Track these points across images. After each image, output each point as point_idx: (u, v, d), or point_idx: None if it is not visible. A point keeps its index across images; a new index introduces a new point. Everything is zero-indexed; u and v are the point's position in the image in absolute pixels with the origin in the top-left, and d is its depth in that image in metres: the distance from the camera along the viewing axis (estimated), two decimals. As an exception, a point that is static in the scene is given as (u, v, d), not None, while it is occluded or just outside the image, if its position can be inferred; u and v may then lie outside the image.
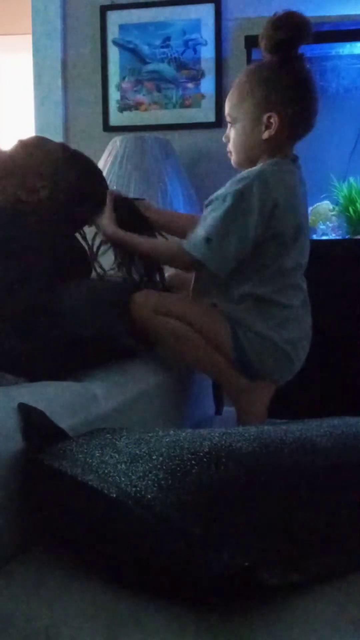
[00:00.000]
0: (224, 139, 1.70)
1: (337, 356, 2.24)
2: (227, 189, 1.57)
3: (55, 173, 1.62)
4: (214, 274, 1.56)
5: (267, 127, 1.58)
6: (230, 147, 1.67)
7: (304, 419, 1.07)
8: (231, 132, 1.66)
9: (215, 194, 1.61)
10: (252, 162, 1.61)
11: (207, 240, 1.53)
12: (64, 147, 1.70)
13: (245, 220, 1.51)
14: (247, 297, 1.57)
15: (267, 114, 1.57)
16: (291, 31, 1.53)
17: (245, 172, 1.57)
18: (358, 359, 2.25)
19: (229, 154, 1.69)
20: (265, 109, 1.57)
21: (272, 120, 1.57)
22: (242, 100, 1.61)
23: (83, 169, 1.70)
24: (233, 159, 1.68)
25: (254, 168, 1.57)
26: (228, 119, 1.65)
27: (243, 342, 1.55)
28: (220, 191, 1.59)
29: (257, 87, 1.58)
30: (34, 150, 1.64)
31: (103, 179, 1.79)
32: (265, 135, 1.58)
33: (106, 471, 0.84)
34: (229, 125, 1.66)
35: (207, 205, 1.63)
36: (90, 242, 1.71)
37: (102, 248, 1.72)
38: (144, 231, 1.75)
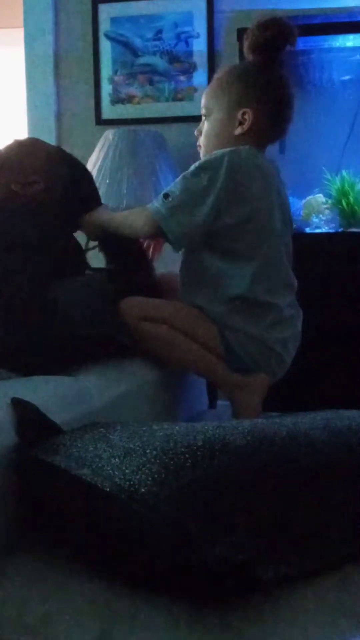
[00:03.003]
0: (195, 133, 1.68)
1: (332, 349, 2.24)
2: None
3: (50, 170, 1.62)
4: (168, 240, 1.53)
5: (241, 123, 1.57)
6: (201, 140, 1.66)
7: (298, 412, 1.07)
8: (204, 126, 1.65)
9: None
10: None
11: (165, 195, 1.52)
12: (59, 148, 1.73)
13: (208, 186, 1.50)
14: (236, 299, 1.55)
15: (242, 110, 1.57)
16: (275, 33, 1.54)
17: (218, 150, 1.55)
18: (352, 352, 2.25)
19: (198, 148, 1.68)
20: (241, 104, 1.57)
21: (246, 117, 1.57)
22: (219, 93, 1.61)
23: (76, 169, 1.70)
24: (202, 152, 1.66)
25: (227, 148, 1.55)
26: (203, 111, 1.65)
27: (233, 343, 1.54)
28: None
29: (235, 82, 1.59)
30: (29, 148, 1.66)
31: (94, 183, 1.79)
32: (238, 130, 1.58)
33: (100, 465, 0.84)
34: (203, 119, 1.66)
35: None
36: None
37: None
38: (140, 264, 1.74)
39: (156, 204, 1.54)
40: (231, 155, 1.51)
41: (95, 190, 1.77)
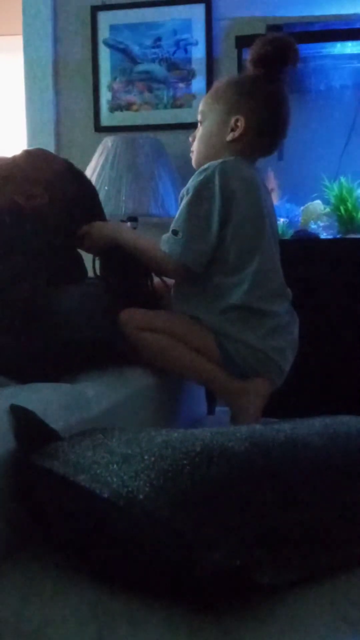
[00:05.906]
0: (190, 139, 1.70)
1: (330, 355, 2.24)
2: (190, 181, 1.57)
3: (55, 183, 1.62)
4: (188, 269, 1.55)
5: (233, 129, 1.59)
6: (194, 147, 1.68)
7: (297, 418, 1.07)
8: (198, 132, 1.67)
9: (184, 188, 1.60)
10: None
11: (174, 232, 1.55)
12: (65, 161, 1.72)
13: (209, 207, 1.52)
14: (231, 308, 1.55)
15: (235, 117, 1.58)
16: (275, 48, 1.56)
17: (206, 165, 1.56)
18: (351, 358, 2.25)
19: (190, 154, 1.69)
20: (234, 111, 1.58)
21: (238, 124, 1.58)
22: (214, 100, 1.63)
23: (81, 185, 1.70)
24: (194, 158, 1.68)
25: (215, 161, 1.56)
26: (199, 117, 1.67)
27: (231, 352, 1.54)
28: (187, 185, 1.59)
29: (231, 90, 1.61)
30: (37, 159, 1.66)
31: (98, 198, 1.79)
32: (229, 137, 1.59)
33: (98, 471, 0.84)
34: (198, 125, 1.67)
35: (181, 200, 1.63)
36: None
37: None
38: (138, 274, 1.74)
39: (170, 243, 1.55)
40: (220, 168, 1.52)
41: (99, 205, 1.77)
